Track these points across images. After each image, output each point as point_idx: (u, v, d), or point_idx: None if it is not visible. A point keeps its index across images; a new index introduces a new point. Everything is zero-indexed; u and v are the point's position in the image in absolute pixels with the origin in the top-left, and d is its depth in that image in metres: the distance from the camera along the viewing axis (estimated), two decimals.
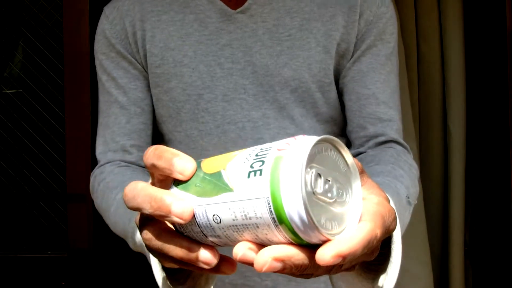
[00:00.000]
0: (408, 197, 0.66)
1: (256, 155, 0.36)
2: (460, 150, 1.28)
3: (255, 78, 0.78)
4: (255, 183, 0.34)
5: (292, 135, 0.47)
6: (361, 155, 0.79)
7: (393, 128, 0.79)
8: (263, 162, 0.35)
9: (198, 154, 0.81)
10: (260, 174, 0.34)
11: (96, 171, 0.83)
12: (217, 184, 0.36)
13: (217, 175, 0.37)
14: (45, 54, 1.53)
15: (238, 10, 0.79)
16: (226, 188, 0.36)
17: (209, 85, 0.79)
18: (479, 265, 1.34)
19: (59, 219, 1.55)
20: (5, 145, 1.54)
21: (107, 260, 1.43)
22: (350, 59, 0.80)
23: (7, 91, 1.56)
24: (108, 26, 0.82)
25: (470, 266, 1.33)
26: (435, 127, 1.31)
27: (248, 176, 0.35)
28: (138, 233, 0.60)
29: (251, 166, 0.35)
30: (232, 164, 0.37)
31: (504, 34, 1.23)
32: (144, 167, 0.83)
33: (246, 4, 0.78)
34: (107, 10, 0.84)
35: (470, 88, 1.31)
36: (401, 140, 0.80)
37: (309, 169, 0.33)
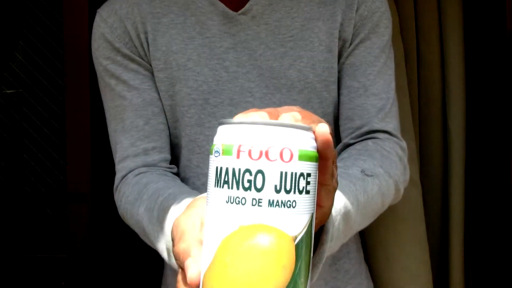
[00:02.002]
0: (363, 171, 0.67)
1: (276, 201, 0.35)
2: (460, 150, 1.28)
3: (261, 81, 0.78)
4: (307, 197, 0.36)
5: None
6: (344, 150, 0.78)
7: (379, 117, 0.78)
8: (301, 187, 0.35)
9: (204, 159, 0.80)
10: (308, 193, 0.36)
11: (119, 185, 0.79)
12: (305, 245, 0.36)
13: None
14: (45, 54, 1.53)
15: (240, 12, 0.78)
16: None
17: (215, 89, 0.77)
18: (479, 265, 1.34)
19: (59, 219, 1.55)
20: (5, 145, 1.54)
21: (107, 260, 1.43)
22: (345, 53, 0.81)
23: (7, 91, 1.56)
24: (108, 30, 0.79)
25: (470, 266, 1.33)
26: (435, 127, 1.30)
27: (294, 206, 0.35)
28: (171, 258, 0.58)
29: (285, 204, 0.35)
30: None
31: (504, 33, 1.23)
32: (166, 168, 0.81)
33: (247, 6, 0.78)
34: (104, 13, 0.80)
35: (470, 88, 1.31)
36: (388, 128, 0.78)
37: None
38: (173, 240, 0.47)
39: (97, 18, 0.82)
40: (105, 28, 0.80)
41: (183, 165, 0.83)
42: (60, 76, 1.49)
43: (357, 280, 0.87)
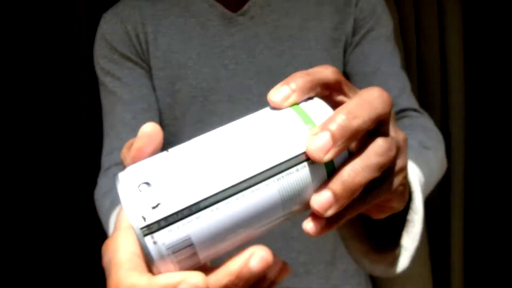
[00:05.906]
0: (421, 142, 0.66)
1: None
2: (460, 150, 1.28)
3: (259, 78, 0.79)
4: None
5: None
6: None
7: (404, 97, 0.80)
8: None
9: None
10: None
11: (100, 176, 0.81)
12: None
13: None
14: (45, 54, 1.53)
15: (239, 12, 0.80)
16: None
17: (214, 87, 0.79)
18: (479, 265, 1.34)
19: (59, 219, 1.55)
20: (5, 145, 1.55)
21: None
22: (350, 47, 0.82)
23: (7, 91, 1.56)
24: (109, 31, 0.82)
25: (470, 266, 1.33)
26: None
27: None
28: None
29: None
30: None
31: (504, 33, 1.23)
32: None
33: (245, 7, 0.80)
34: (107, 16, 0.84)
35: (470, 88, 1.31)
36: (415, 106, 0.80)
37: None
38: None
39: (101, 21, 0.85)
40: (106, 29, 0.83)
41: None
42: (60, 76, 1.50)
43: (356, 280, 0.87)
